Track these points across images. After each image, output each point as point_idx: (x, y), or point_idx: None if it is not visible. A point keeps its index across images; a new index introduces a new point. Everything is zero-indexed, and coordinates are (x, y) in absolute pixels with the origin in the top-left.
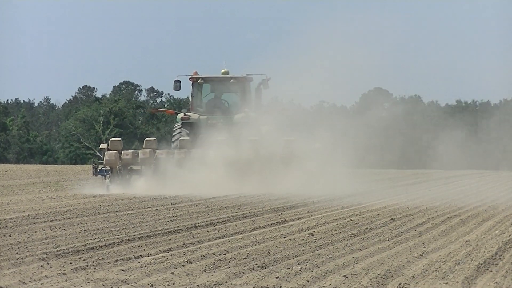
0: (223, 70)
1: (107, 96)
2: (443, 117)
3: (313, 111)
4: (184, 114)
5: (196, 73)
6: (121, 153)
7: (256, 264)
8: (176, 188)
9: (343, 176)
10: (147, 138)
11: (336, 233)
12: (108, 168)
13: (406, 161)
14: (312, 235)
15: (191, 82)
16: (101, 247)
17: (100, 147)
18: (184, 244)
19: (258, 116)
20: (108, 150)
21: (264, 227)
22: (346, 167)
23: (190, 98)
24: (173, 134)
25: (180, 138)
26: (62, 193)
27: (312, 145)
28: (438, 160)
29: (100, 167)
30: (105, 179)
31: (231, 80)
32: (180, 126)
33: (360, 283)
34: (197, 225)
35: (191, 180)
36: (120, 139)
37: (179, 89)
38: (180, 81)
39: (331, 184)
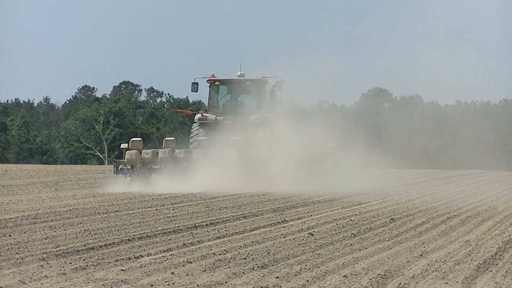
0: (239, 73)
1: (107, 96)
2: (443, 117)
3: (327, 112)
4: (202, 115)
5: (213, 76)
6: (141, 152)
7: (256, 264)
8: (194, 186)
9: (353, 176)
10: (166, 138)
11: (336, 233)
12: (129, 167)
13: (405, 161)
14: (312, 235)
15: (209, 84)
16: (101, 247)
17: (121, 146)
18: (184, 244)
19: (272, 117)
20: (129, 149)
21: (264, 227)
22: (357, 167)
23: (207, 100)
24: (191, 134)
25: (198, 138)
26: (62, 193)
27: (325, 145)
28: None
29: (121, 166)
30: (126, 177)
31: (247, 83)
32: (197, 127)
33: (360, 283)
34: (197, 225)
35: (208, 179)
36: (140, 139)
37: (197, 91)
38: (197, 83)
39: (339, 183)
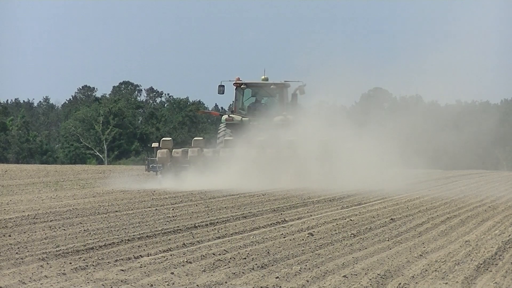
0: (263, 77)
1: (107, 96)
2: (443, 117)
3: (347, 113)
4: (228, 116)
5: (238, 79)
6: (171, 151)
7: (256, 264)
8: (221, 183)
9: (359, 175)
10: (195, 138)
11: (336, 233)
12: (160, 164)
13: (406, 161)
14: (312, 235)
15: (235, 87)
16: (101, 247)
17: (153, 145)
18: (184, 244)
19: (295, 118)
20: (160, 148)
21: (264, 227)
22: (372, 167)
23: (233, 102)
24: (218, 134)
25: (225, 138)
26: (62, 193)
27: (344, 145)
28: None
29: (152, 164)
30: (157, 174)
31: (271, 86)
32: (224, 127)
33: (360, 283)
34: (197, 225)
35: (234, 176)
36: (170, 139)
37: (223, 93)
38: (224, 85)
39: (348, 182)
